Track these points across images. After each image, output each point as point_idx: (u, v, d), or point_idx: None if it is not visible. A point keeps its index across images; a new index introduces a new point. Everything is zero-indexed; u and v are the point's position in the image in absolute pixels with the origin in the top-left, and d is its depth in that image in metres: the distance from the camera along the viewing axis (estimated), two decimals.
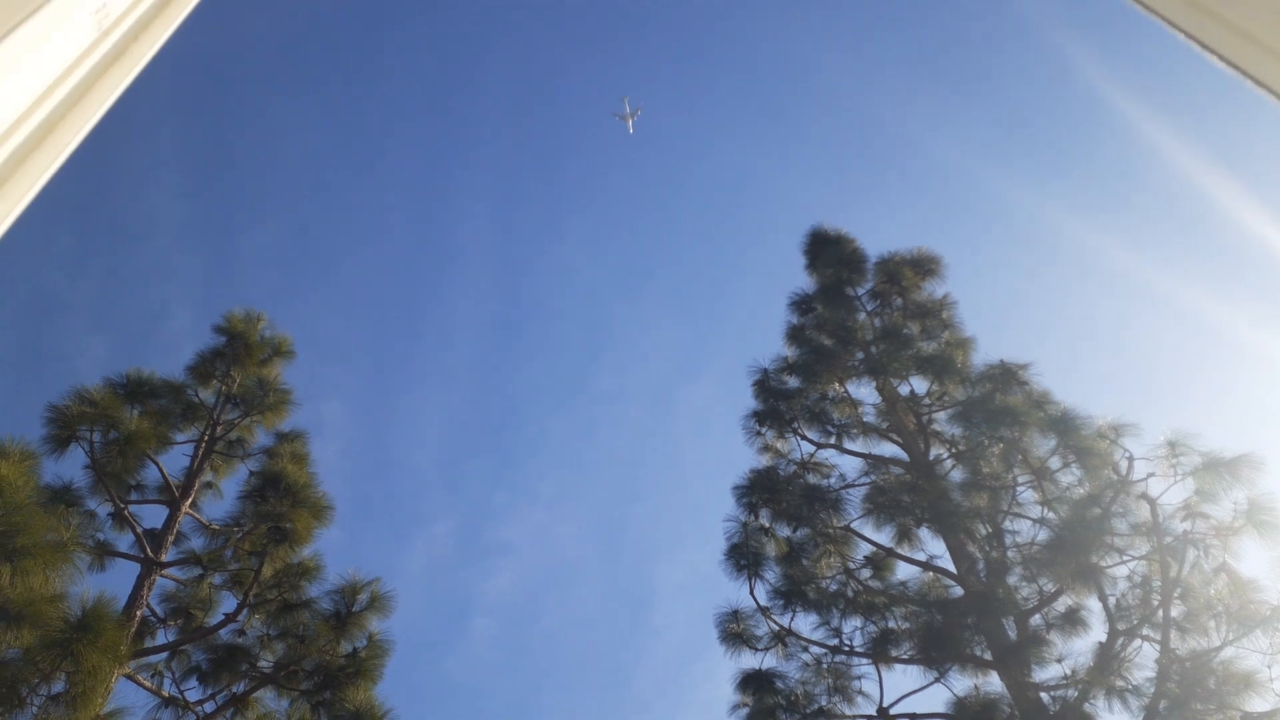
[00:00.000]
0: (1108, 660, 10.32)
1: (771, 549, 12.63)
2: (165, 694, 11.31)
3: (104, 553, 11.86)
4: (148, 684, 11.27)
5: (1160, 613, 10.12)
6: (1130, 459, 11.13)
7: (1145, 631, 10.40)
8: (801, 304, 16.01)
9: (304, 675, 11.17)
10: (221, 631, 11.48)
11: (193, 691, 11.41)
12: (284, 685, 11.19)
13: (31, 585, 8.33)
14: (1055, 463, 11.80)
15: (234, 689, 11.28)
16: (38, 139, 1.45)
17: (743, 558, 12.25)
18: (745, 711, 11.53)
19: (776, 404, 14.82)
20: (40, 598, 8.36)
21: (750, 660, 11.92)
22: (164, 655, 11.64)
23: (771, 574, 12.26)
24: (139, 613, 11.00)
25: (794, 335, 15.68)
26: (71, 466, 12.18)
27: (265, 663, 11.65)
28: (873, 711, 10.85)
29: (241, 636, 11.78)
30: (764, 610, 12.06)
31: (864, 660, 11.36)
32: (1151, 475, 10.86)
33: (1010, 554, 11.74)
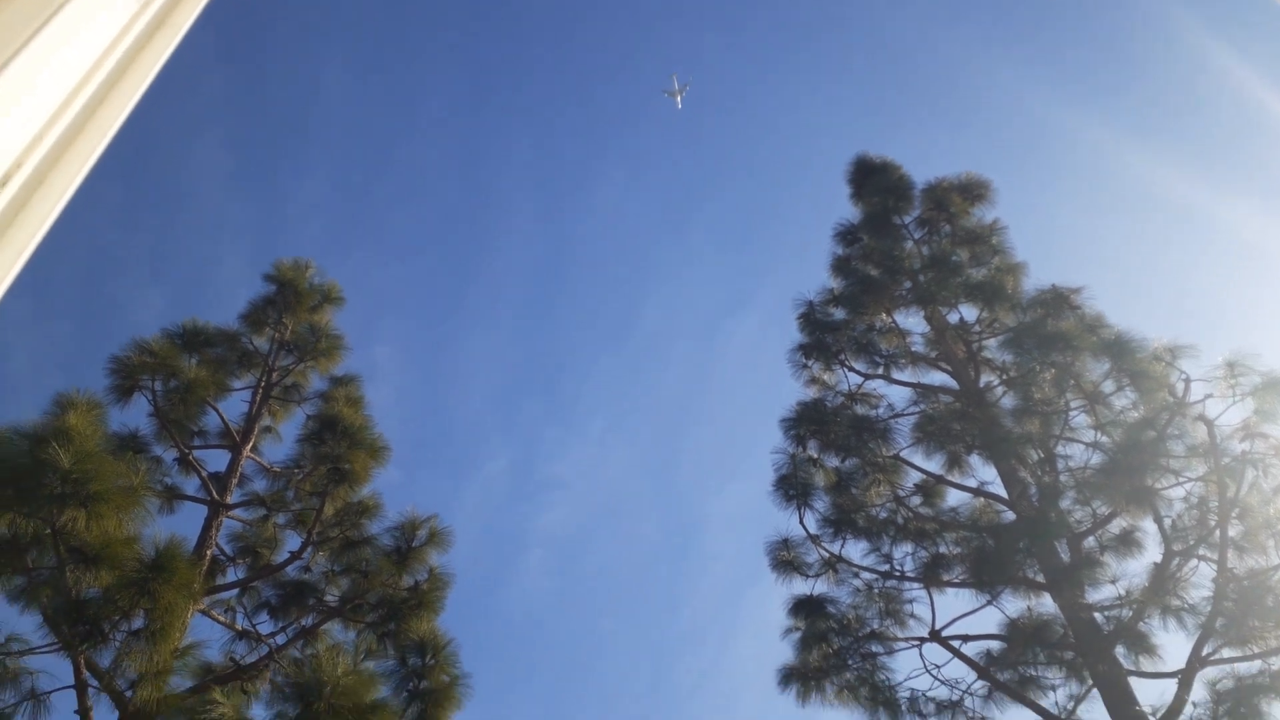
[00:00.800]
0: (1163, 580, 10.28)
1: (820, 479, 12.68)
2: (238, 628, 11.80)
3: (172, 496, 12.30)
4: (221, 619, 11.76)
5: (1217, 533, 10.03)
6: (1187, 381, 10.94)
7: (1201, 551, 10.34)
8: (847, 234, 15.81)
9: (369, 608, 11.53)
10: (288, 568, 11.88)
11: (264, 625, 11.88)
12: (350, 618, 11.58)
13: (106, 529, 8.64)
14: (1109, 387, 11.64)
15: (303, 622, 11.72)
16: (98, 99, 1.50)
17: (791, 488, 12.32)
18: (797, 635, 11.72)
19: (823, 336, 14.74)
20: (115, 540, 8.66)
21: (801, 586, 12.08)
22: (235, 592, 12.11)
23: (820, 503, 12.34)
24: (209, 552, 11.43)
25: (839, 266, 15.52)
26: (136, 415, 12.58)
27: (331, 597, 12.06)
28: (925, 634, 10.97)
29: (307, 573, 12.20)
30: (814, 538, 12.17)
31: (915, 585, 11.45)
32: (1209, 397, 10.69)
33: (1063, 478, 11.67)
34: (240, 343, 13.66)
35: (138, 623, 8.79)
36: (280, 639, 11.42)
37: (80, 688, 8.80)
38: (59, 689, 9.26)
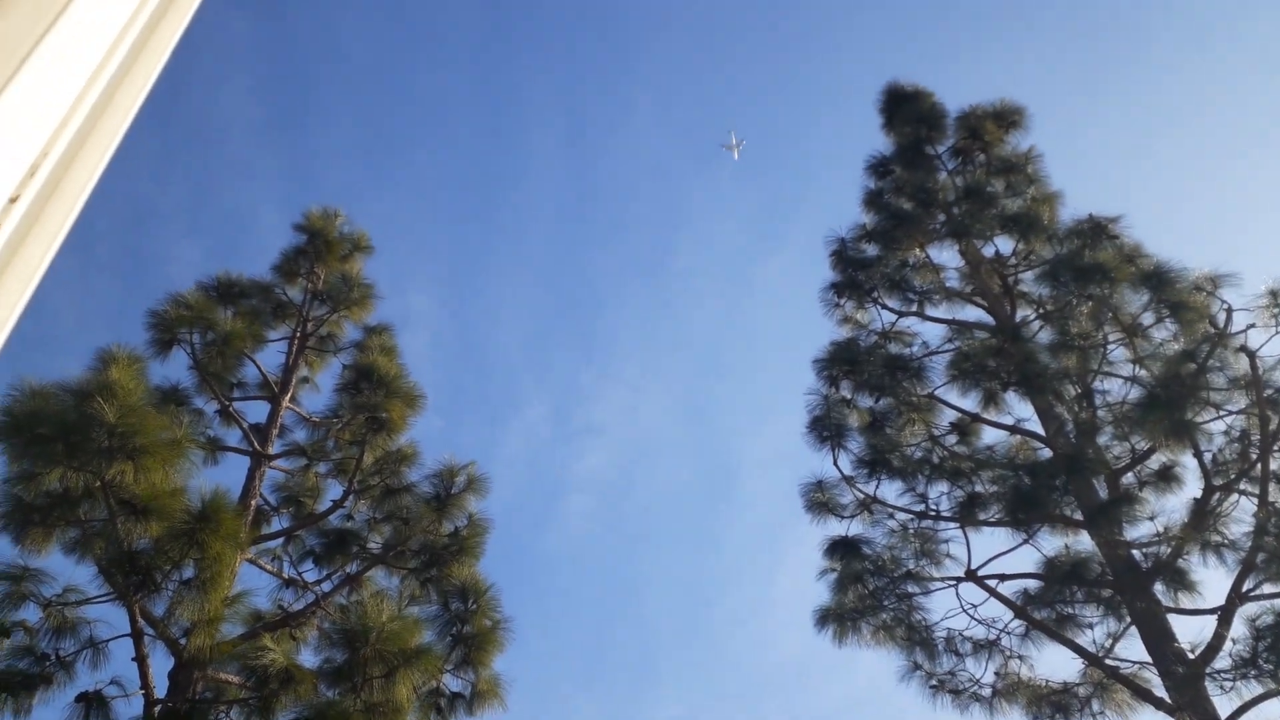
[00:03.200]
0: (1202, 516, 10.20)
1: (854, 420, 12.65)
2: (285, 576, 12.11)
3: (215, 448, 12.55)
4: (268, 567, 12.07)
5: (1259, 466, 9.91)
6: (1229, 311, 10.70)
7: (1243, 486, 10.23)
8: (879, 167, 15.50)
9: (411, 555, 11.76)
10: (331, 517, 12.12)
11: (309, 573, 12.18)
12: (393, 564, 11.82)
13: (153, 481, 8.82)
14: (1148, 319, 11.41)
15: (347, 569, 11.99)
16: (133, 56, 1.48)
17: (825, 429, 12.31)
18: (833, 576, 11.81)
19: (855, 274, 14.57)
20: (162, 492, 8.85)
21: (836, 528, 12.14)
22: (280, 541, 12.40)
23: (854, 444, 12.32)
24: (253, 502, 11.68)
25: (871, 201, 15.25)
26: (176, 368, 12.78)
27: (374, 544, 12.31)
28: (961, 574, 11.01)
29: (350, 521, 12.44)
30: (848, 479, 12.18)
31: (951, 524, 11.45)
32: (1252, 327, 10.45)
33: (1101, 414, 11.55)
34: (274, 294, 13.77)
35: (188, 572, 9.01)
36: (326, 586, 11.71)
37: (136, 636, 9.09)
38: (116, 637, 9.61)
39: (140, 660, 9.08)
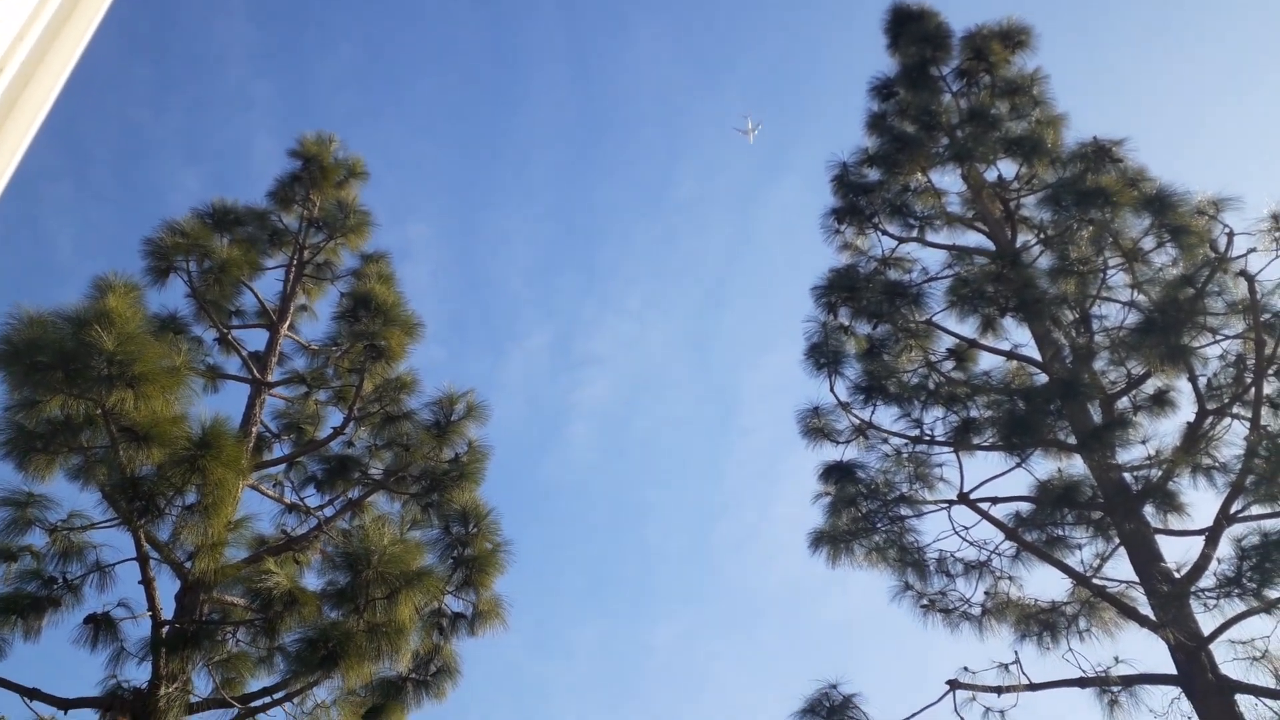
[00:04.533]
0: (1195, 439, 10.27)
1: (851, 346, 12.66)
2: (287, 501, 12.31)
3: (215, 376, 12.64)
4: (270, 493, 12.25)
5: (1253, 390, 9.94)
6: (1230, 235, 10.59)
7: (1235, 410, 10.27)
8: (882, 89, 15.22)
9: (412, 480, 11.92)
10: (332, 444, 12.25)
11: (311, 498, 12.38)
12: (394, 490, 12.00)
13: (154, 409, 8.90)
14: (1149, 243, 11.33)
15: (349, 495, 12.17)
16: None
17: (822, 356, 12.32)
18: (827, 500, 11.96)
19: (856, 199, 14.42)
20: (163, 419, 8.93)
21: (831, 453, 12.24)
22: (282, 467, 12.57)
23: (851, 371, 12.35)
24: (254, 429, 11.81)
25: (874, 124, 15.02)
26: (173, 297, 12.80)
27: (375, 470, 12.47)
28: (953, 497, 11.13)
29: (350, 448, 12.58)
30: (844, 405, 12.24)
31: (945, 449, 11.54)
32: (1252, 251, 10.37)
33: (1098, 339, 11.55)
34: (270, 221, 13.71)
35: (191, 498, 9.13)
36: (328, 511, 11.90)
37: (142, 560, 9.28)
38: (122, 561, 9.81)
39: (147, 583, 9.29)
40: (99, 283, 9.89)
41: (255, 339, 13.15)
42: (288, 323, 13.15)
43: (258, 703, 9.37)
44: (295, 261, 13.64)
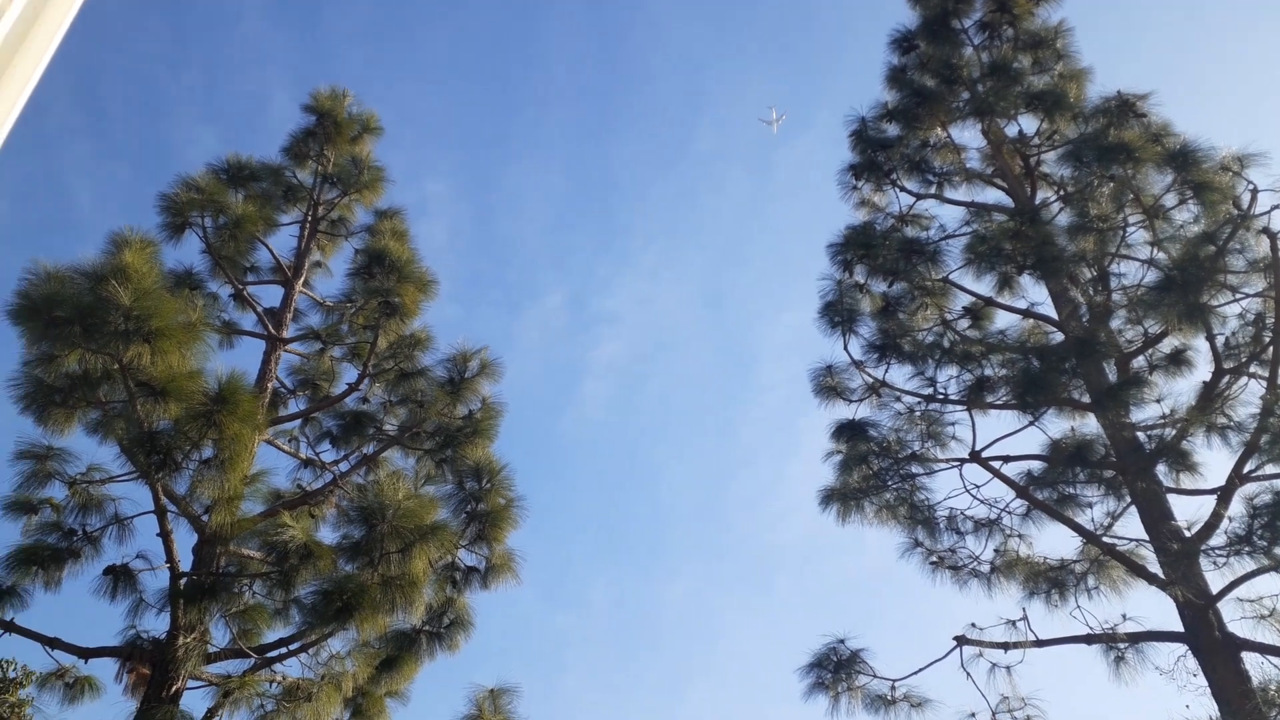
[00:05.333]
0: (1210, 399, 10.18)
1: (866, 305, 12.59)
2: (303, 456, 12.46)
3: (230, 331, 12.73)
4: (286, 448, 12.40)
5: (1271, 350, 9.82)
6: (1254, 191, 10.39)
7: (1253, 369, 10.16)
8: (903, 42, 14.96)
9: (426, 436, 12.01)
10: (347, 400, 12.36)
11: (327, 454, 12.52)
12: (408, 445, 12.10)
13: (170, 364, 8.96)
14: (1170, 200, 11.14)
15: (364, 450, 12.30)
16: None
17: (837, 314, 12.27)
18: (838, 458, 11.98)
19: (874, 155, 14.26)
20: (180, 374, 8.98)
21: (844, 412, 12.24)
22: (297, 423, 12.69)
23: (866, 329, 12.30)
24: (269, 385, 11.92)
25: (894, 78, 14.79)
26: (189, 253, 12.86)
27: (390, 426, 12.58)
28: (965, 455, 11.12)
29: (365, 404, 12.69)
30: (857, 364, 12.21)
31: (958, 407, 11.51)
32: (1276, 208, 10.18)
33: (1115, 297, 11.43)
34: (284, 177, 13.71)
35: (207, 452, 9.23)
36: (343, 466, 12.03)
37: (160, 512, 9.44)
38: (140, 514, 9.99)
39: (165, 536, 9.45)
40: (115, 238, 9.94)
41: (270, 295, 13.25)
42: (303, 279, 13.21)
43: (274, 653, 9.55)
44: (310, 217, 13.66)
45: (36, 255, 8.96)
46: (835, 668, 10.09)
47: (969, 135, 14.15)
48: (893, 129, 14.37)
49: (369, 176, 14.02)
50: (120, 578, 9.70)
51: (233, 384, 9.24)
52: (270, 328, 12.37)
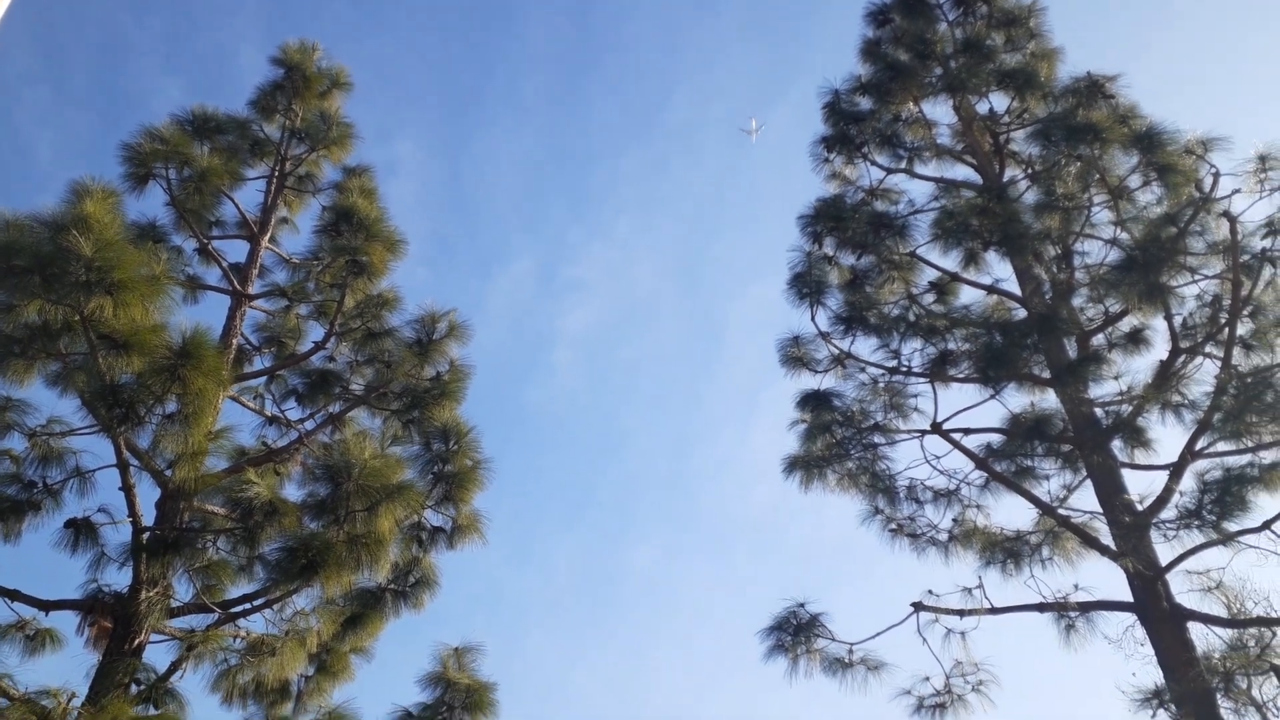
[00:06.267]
0: (1167, 377, 10.45)
1: (834, 277, 12.71)
2: (268, 414, 12.35)
3: (195, 286, 12.55)
4: (251, 405, 12.28)
5: (1226, 330, 10.08)
6: (1216, 175, 10.60)
7: (1208, 349, 10.43)
8: (878, 14, 14.99)
9: (393, 397, 11.95)
10: (313, 358, 12.24)
11: (292, 411, 12.41)
12: (375, 405, 12.04)
13: (133, 316, 8.81)
14: (1135, 181, 11.34)
15: (330, 409, 12.22)
16: None
17: (805, 286, 12.37)
18: (803, 427, 12.14)
19: (846, 128, 14.33)
20: (143, 328, 8.82)
21: (809, 382, 12.40)
22: (263, 380, 12.56)
23: (833, 301, 12.42)
24: (234, 341, 11.78)
25: (869, 51, 14.84)
26: (153, 205, 12.61)
27: (356, 386, 12.50)
28: (926, 426, 11.33)
29: (332, 363, 12.58)
30: (824, 335, 12.34)
31: (921, 380, 11.70)
32: (1237, 192, 10.40)
33: (1078, 276, 11.64)
34: (251, 130, 13.46)
35: (171, 407, 9.11)
36: (309, 425, 11.96)
37: (122, 466, 9.33)
38: (102, 467, 9.88)
39: (127, 490, 9.35)
40: (76, 188, 9.67)
41: (235, 251, 13.02)
42: (268, 235, 13.03)
43: (238, 609, 9.54)
44: (277, 173, 13.45)
45: None
46: (795, 631, 10.29)
47: (940, 111, 14.27)
48: (866, 102, 14.43)
49: (338, 132, 13.81)
50: (81, 531, 9.60)
51: (197, 339, 9.10)
52: (235, 283, 12.21)
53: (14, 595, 9.07)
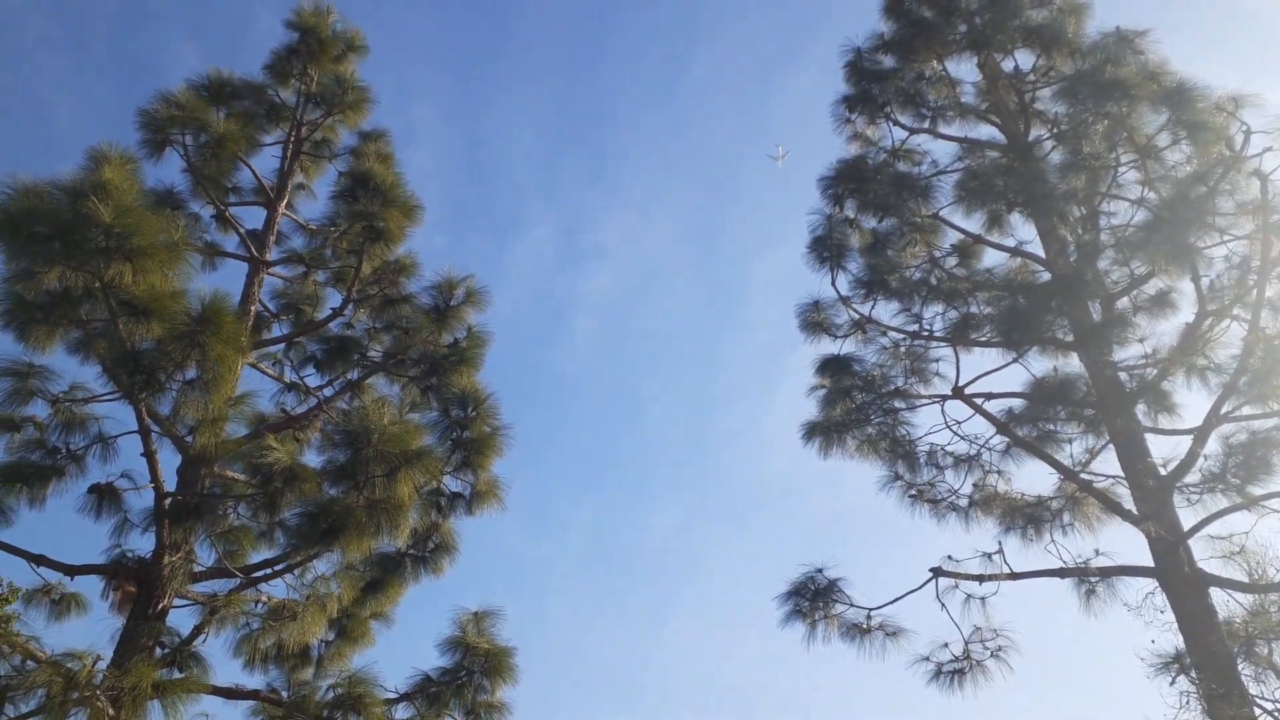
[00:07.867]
0: (1192, 340, 10.26)
1: (855, 240, 12.55)
2: (287, 380, 12.40)
3: (213, 253, 12.57)
4: (270, 372, 12.34)
5: (1255, 292, 9.86)
6: (1247, 133, 10.30)
7: (1236, 311, 10.22)
8: None
9: (411, 363, 11.97)
10: (331, 325, 12.26)
11: (311, 378, 12.45)
12: (393, 372, 12.07)
13: (152, 283, 8.82)
14: (1164, 139, 11.06)
15: (348, 376, 12.25)
16: None
17: (825, 249, 12.23)
18: (822, 393, 12.05)
19: (869, 87, 14.06)
20: (162, 294, 8.84)
21: (829, 347, 12.28)
22: (281, 346, 12.60)
23: (854, 265, 12.29)
24: (253, 308, 11.80)
25: (891, 8, 14.50)
26: (170, 172, 12.60)
27: (375, 352, 12.52)
28: (948, 391, 11.21)
29: (350, 329, 12.59)
30: (844, 300, 12.21)
31: (942, 344, 11.57)
32: (1268, 150, 10.12)
33: (1104, 237, 11.42)
34: (267, 95, 13.40)
35: (191, 373, 9.14)
36: (327, 391, 12.00)
37: (144, 433, 9.40)
38: (124, 434, 9.97)
39: (149, 455, 9.43)
40: (94, 154, 9.70)
41: (253, 217, 13.01)
42: (285, 201, 13.01)
43: (260, 574, 9.63)
44: (293, 138, 13.40)
45: (13, 170, 8.75)
46: (813, 596, 10.29)
47: (965, 69, 13.98)
48: (888, 61, 14.15)
49: (353, 97, 13.71)
50: (105, 496, 9.72)
51: (216, 305, 9.11)
52: (253, 250, 12.21)
53: (40, 560, 9.21)
